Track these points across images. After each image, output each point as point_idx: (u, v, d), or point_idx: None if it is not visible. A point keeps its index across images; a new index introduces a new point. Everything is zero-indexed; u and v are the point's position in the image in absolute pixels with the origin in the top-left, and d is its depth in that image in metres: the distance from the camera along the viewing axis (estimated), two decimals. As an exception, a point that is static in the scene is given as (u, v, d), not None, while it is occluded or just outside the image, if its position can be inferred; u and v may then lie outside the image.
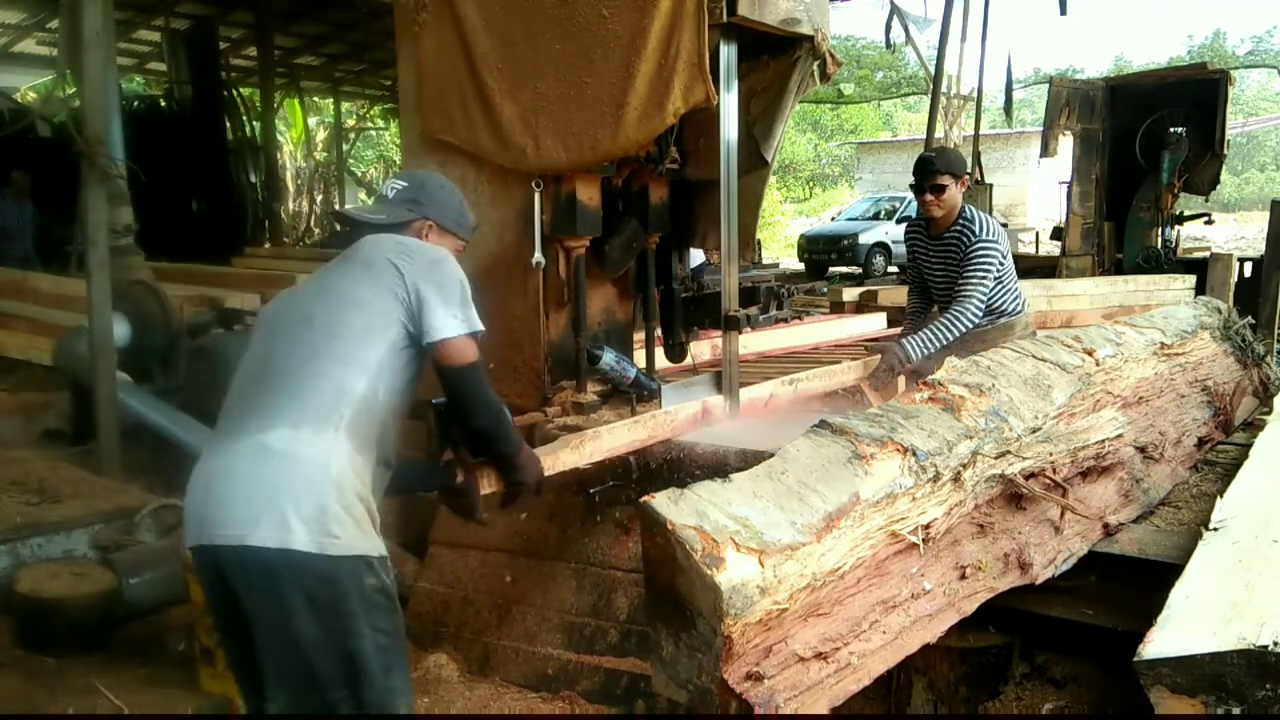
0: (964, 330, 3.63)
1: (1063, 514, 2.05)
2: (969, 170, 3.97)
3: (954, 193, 3.78)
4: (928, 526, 1.75)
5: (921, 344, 3.64)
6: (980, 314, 3.69)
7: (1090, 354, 2.42)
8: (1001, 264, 3.77)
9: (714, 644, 1.38)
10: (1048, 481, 2.02)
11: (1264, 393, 3.12)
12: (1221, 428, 2.79)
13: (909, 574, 1.74)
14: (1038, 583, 1.98)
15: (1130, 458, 2.33)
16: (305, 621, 1.81)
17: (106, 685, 2.94)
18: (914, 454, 1.78)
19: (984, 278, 3.70)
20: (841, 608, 1.61)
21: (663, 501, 1.43)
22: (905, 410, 1.96)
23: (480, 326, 2.04)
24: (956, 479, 1.82)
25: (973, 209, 3.89)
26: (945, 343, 3.63)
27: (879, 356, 3.86)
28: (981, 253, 3.70)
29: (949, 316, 3.68)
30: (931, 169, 3.78)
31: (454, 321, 1.97)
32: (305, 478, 1.82)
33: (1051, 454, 2.04)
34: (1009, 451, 1.95)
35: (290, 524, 1.78)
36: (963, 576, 1.86)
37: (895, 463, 1.76)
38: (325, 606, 1.82)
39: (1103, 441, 2.18)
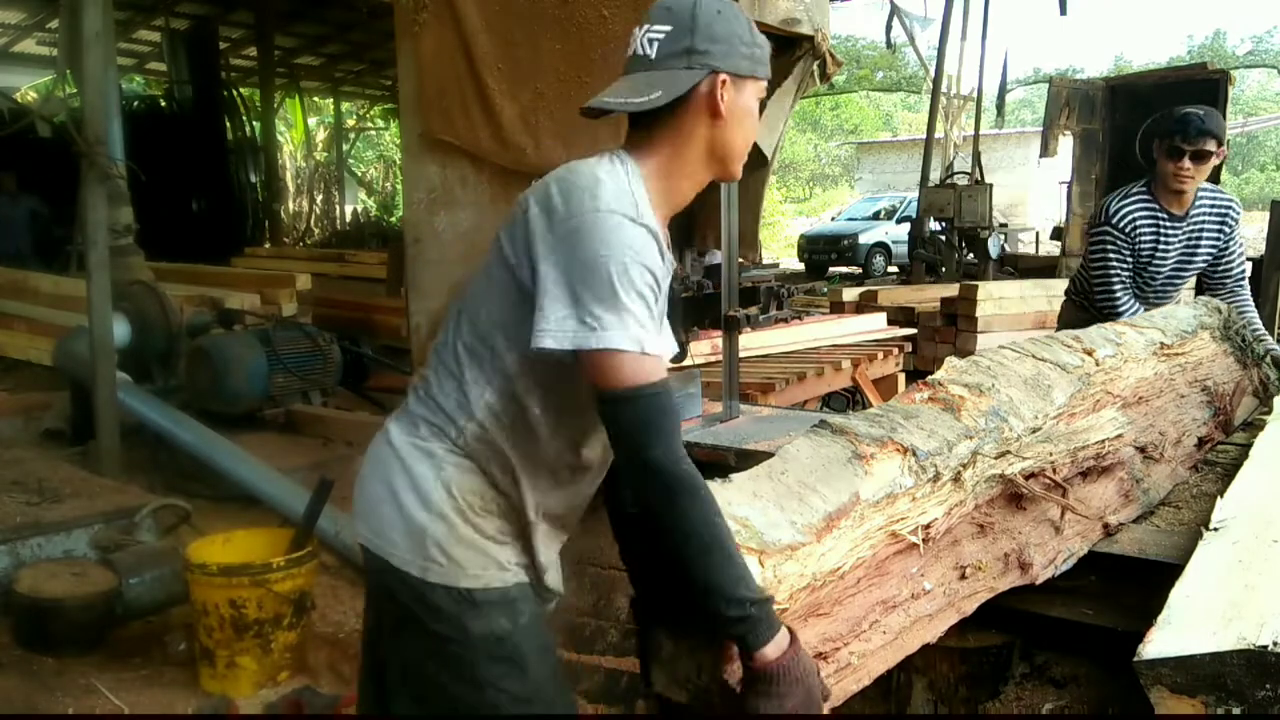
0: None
1: (1063, 514, 2.04)
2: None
3: (1212, 164, 3.12)
4: (928, 526, 1.75)
5: (1269, 335, 3.24)
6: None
7: (1090, 354, 2.40)
8: None
9: (715, 644, 1.37)
10: (1048, 481, 2.01)
11: (1264, 393, 3.09)
12: (1221, 428, 2.77)
13: (909, 574, 1.73)
14: (1038, 582, 1.99)
15: (1130, 458, 2.31)
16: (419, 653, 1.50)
17: (106, 685, 2.94)
18: (914, 454, 1.76)
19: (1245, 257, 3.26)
20: (841, 608, 1.60)
21: None
22: (905, 410, 1.95)
23: (617, 343, 1.33)
24: (957, 479, 1.81)
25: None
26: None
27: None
28: (1240, 229, 3.25)
29: (1249, 300, 3.26)
30: (1201, 128, 3.03)
31: (566, 331, 1.34)
32: (413, 485, 1.48)
33: (1052, 454, 2.03)
34: (1009, 451, 1.95)
35: (391, 535, 1.48)
36: (963, 577, 1.85)
37: (895, 463, 1.74)
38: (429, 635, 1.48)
39: (1103, 441, 2.17)
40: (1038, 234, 18.04)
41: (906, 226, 14.04)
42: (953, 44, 13.15)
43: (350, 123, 20.85)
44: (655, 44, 1.48)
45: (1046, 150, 10.54)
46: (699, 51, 1.47)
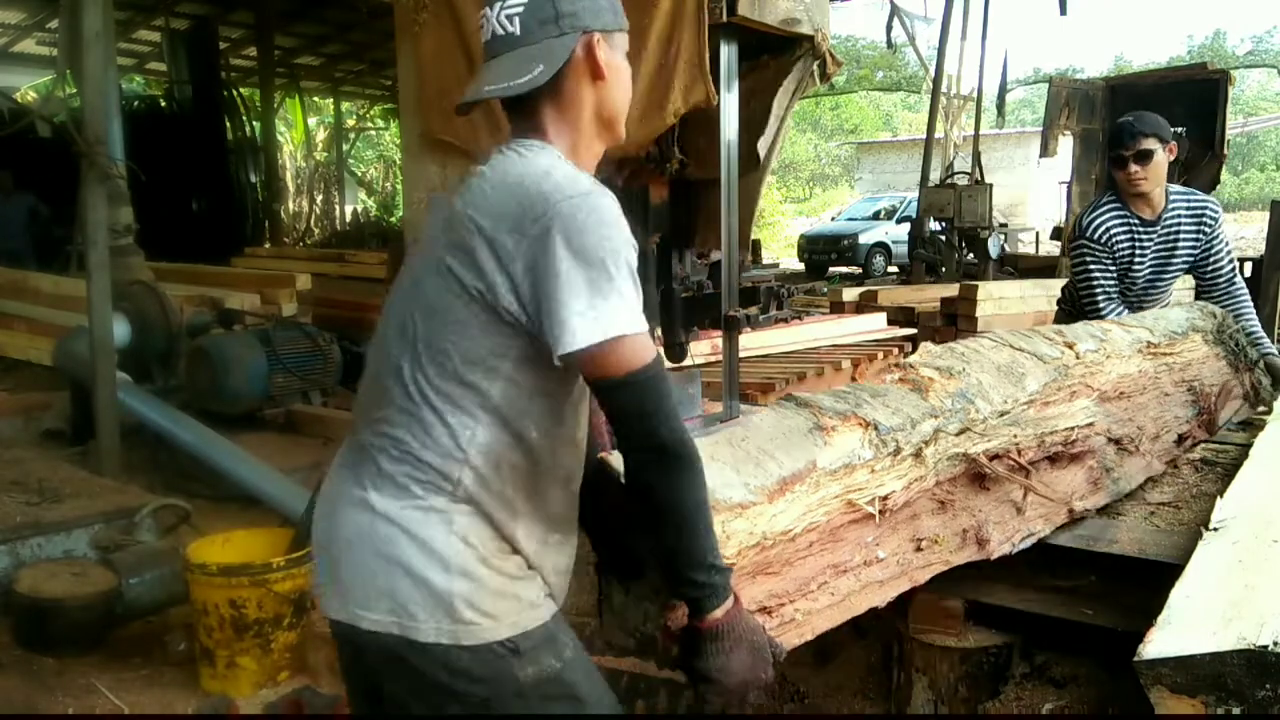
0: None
1: (1025, 495, 2.08)
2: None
3: (1162, 161, 3.11)
4: (885, 498, 1.79)
5: (1266, 339, 3.25)
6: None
7: (1071, 347, 2.45)
8: None
9: (654, 591, 1.44)
10: (1012, 463, 2.05)
11: (1255, 397, 3.11)
12: (1205, 427, 2.80)
13: (864, 542, 1.78)
14: (993, 558, 2.03)
15: (1102, 448, 2.35)
16: None
17: (106, 685, 2.94)
18: (876, 428, 1.81)
19: (1234, 256, 3.25)
20: (791, 569, 1.65)
21: (619, 459, 1.43)
22: (873, 389, 2.00)
23: (624, 328, 1.28)
24: (918, 455, 1.86)
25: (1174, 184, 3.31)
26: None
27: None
28: (1223, 229, 3.21)
29: (1246, 302, 3.24)
30: (1134, 131, 3.10)
31: (589, 324, 1.27)
32: (425, 550, 1.34)
33: (1017, 437, 2.07)
34: (969, 429, 1.99)
35: (410, 609, 1.33)
36: (918, 549, 1.90)
37: (856, 435, 1.79)
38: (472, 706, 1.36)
39: (1072, 429, 2.22)
40: (1038, 234, 18.05)
41: (906, 226, 14.04)
42: (953, 44, 13.16)
43: (350, 123, 20.85)
44: (516, 19, 1.38)
45: (1046, 150, 10.54)
46: (566, 14, 1.38)
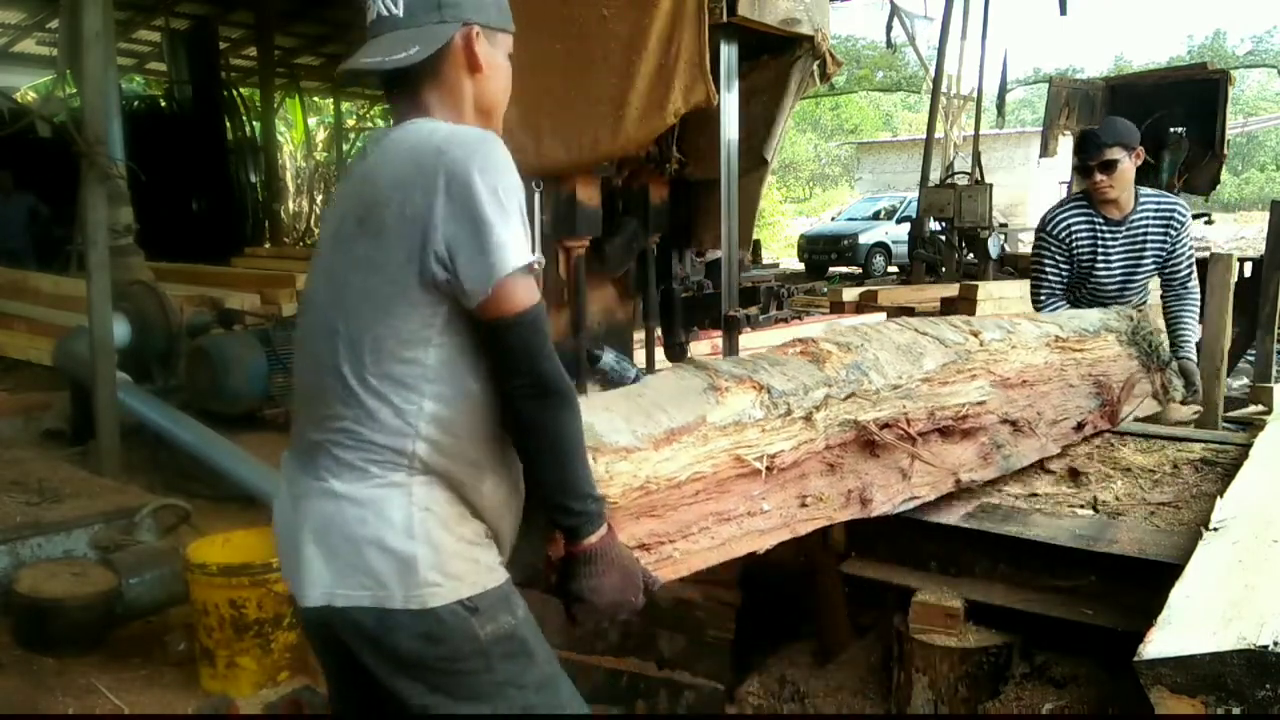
0: (1198, 311, 3.36)
1: (912, 463, 2.22)
2: (1140, 141, 3.28)
3: (1128, 168, 3.19)
4: (774, 456, 1.90)
5: (1192, 346, 3.34)
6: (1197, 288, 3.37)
7: (976, 335, 2.59)
8: None
9: (542, 528, 1.53)
10: (901, 433, 2.18)
11: (1164, 395, 3.25)
12: (1107, 418, 2.96)
13: (750, 495, 1.89)
14: (872, 515, 2.16)
15: (995, 426, 2.50)
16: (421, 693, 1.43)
17: (106, 685, 2.94)
18: (769, 391, 1.94)
19: (1191, 257, 3.33)
20: (675, 513, 1.75)
21: None
22: (774, 359, 2.12)
23: (527, 257, 1.36)
24: (808, 418, 1.98)
25: (1146, 186, 3.39)
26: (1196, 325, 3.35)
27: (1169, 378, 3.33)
28: (1190, 233, 3.28)
29: (1193, 305, 3.31)
30: (1098, 142, 3.19)
31: (489, 260, 1.33)
32: (389, 522, 1.40)
33: (907, 408, 2.21)
34: (860, 398, 2.11)
35: (380, 579, 1.40)
36: (803, 505, 2.01)
37: (749, 397, 1.91)
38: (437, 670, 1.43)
39: (963, 405, 2.36)
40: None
41: (906, 226, 14.05)
42: (953, 44, 13.16)
43: (350, 123, 20.85)
44: (401, 2, 1.44)
45: (1046, 150, 10.56)
46: (449, 4, 1.45)
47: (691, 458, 1.77)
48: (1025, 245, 17.29)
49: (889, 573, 2.37)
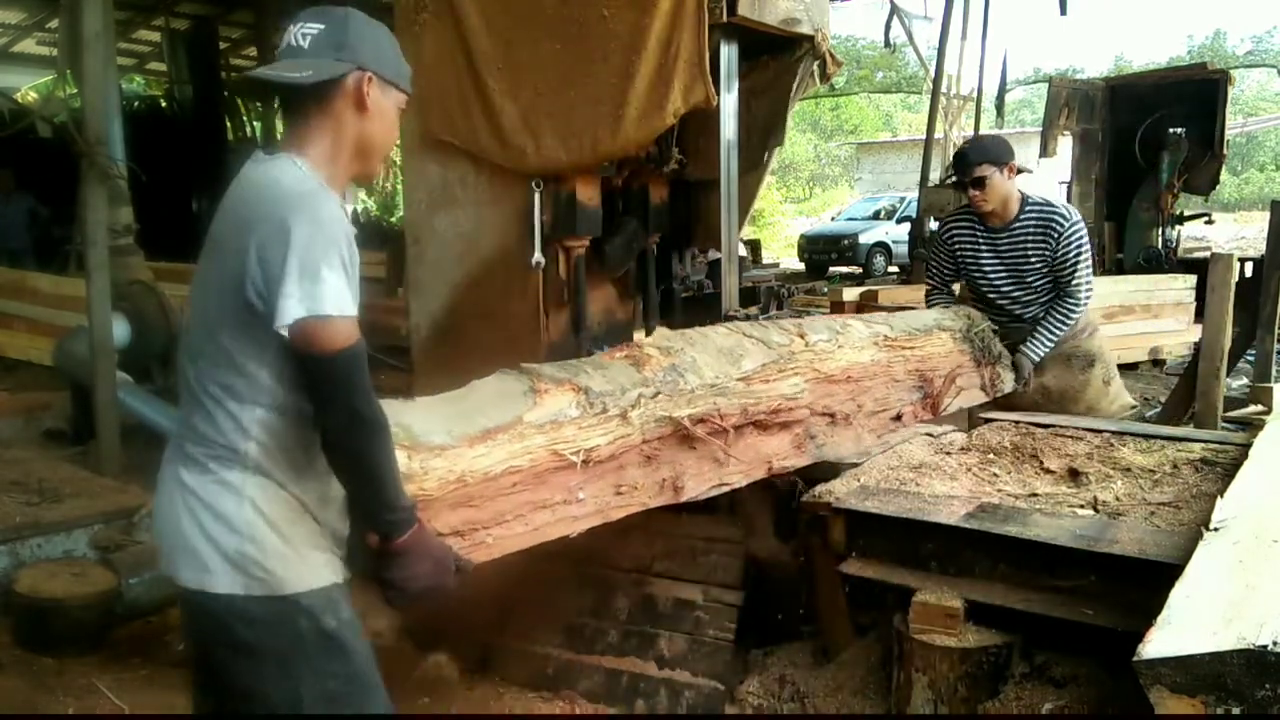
0: (1075, 322, 3.50)
1: (725, 453, 2.40)
2: (1013, 154, 3.49)
3: (1000, 182, 3.43)
4: (591, 451, 2.05)
5: (1042, 345, 3.50)
6: (1090, 300, 3.52)
7: (802, 336, 2.78)
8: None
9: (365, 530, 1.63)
10: (715, 427, 2.35)
11: (992, 388, 3.47)
12: (929, 409, 3.18)
13: (568, 486, 2.04)
14: (681, 499, 2.33)
15: (809, 419, 2.70)
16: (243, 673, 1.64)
17: (106, 685, 2.94)
18: (586, 392, 2.11)
19: (1089, 265, 3.48)
20: (492, 503, 1.88)
21: None
22: (597, 363, 2.30)
23: (329, 309, 1.48)
24: (624, 416, 2.15)
25: (1041, 195, 3.59)
26: (1061, 337, 3.50)
27: (999, 373, 3.54)
28: (1079, 236, 3.44)
29: (1065, 309, 3.47)
30: (967, 162, 3.46)
31: (297, 302, 1.48)
32: (219, 516, 1.59)
33: (719, 405, 2.38)
34: (671, 397, 2.28)
35: (210, 566, 1.59)
36: (618, 493, 2.17)
37: (567, 398, 2.07)
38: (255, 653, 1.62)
39: (776, 400, 2.55)
40: (1038, 234, 18.00)
41: (906, 226, 14.03)
42: (953, 44, 13.15)
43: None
44: (309, 38, 1.63)
45: (1046, 150, 10.53)
46: (350, 47, 1.64)
47: (507, 454, 1.92)
48: (1025, 245, 17.32)
49: (889, 573, 2.37)
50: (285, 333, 1.48)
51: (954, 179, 3.58)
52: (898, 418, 3.07)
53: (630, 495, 2.20)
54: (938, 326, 3.36)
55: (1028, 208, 3.49)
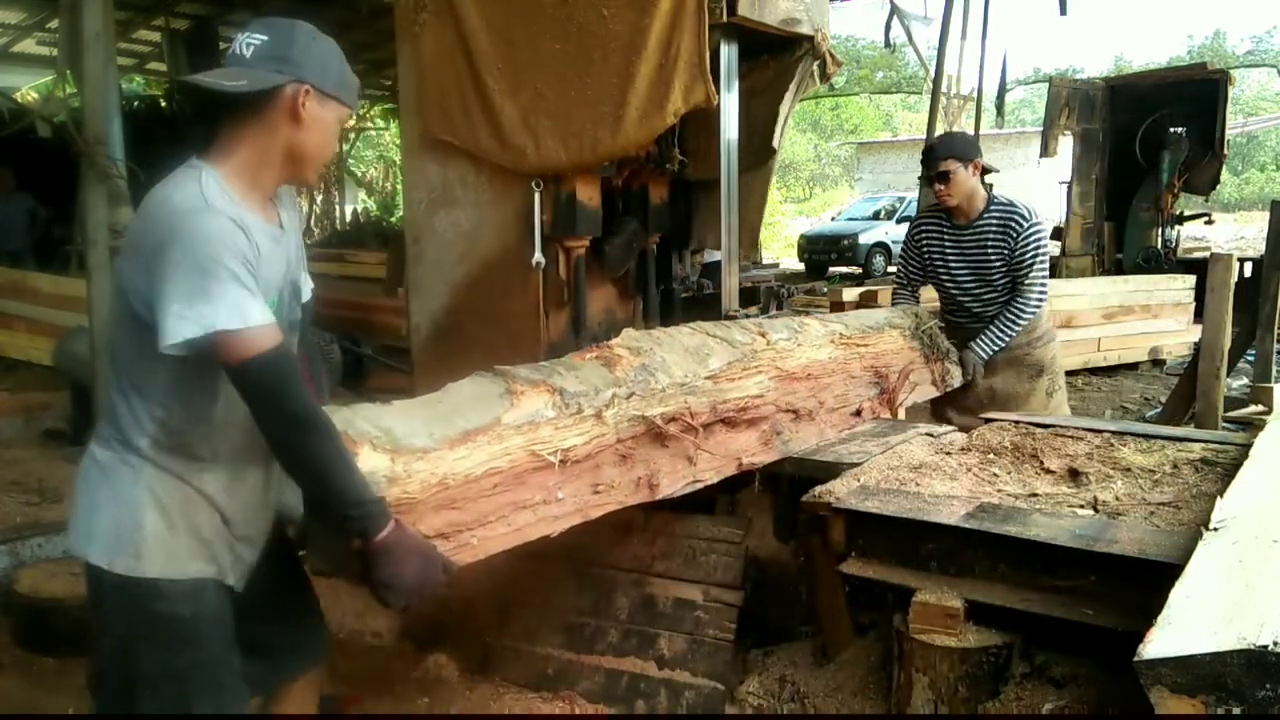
0: (1027, 323, 3.57)
1: (696, 450, 2.45)
2: (979, 152, 3.61)
3: (964, 178, 3.54)
4: (568, 450, 2.09)
5: (990, 343, 3.59)
6: (1043, 304, 3.60)
7: (763, 335, 2.84)
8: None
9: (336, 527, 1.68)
10: (685, 425, 2.41)
11: (942, 384, 3.58)
12: (885, 404, 3.30)
13: (547, 486, 2.06)
14: (657, 498, 2.38)
15: (775, 415, 2.77)
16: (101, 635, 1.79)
17: (106, 685, 2.94)
18: (561, 393, 2.13)
19: (1044, 266, 3.58)
20: (474, 504, 1.90)
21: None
22: (570, 364, 2.32)
23: (224, 324, 1.53)
24: (598, 415, 2.18)
25: (1007, 196, 3.69)
26: (1011, 338, 3.58)
27: (950, 366, 3.65)
28: (1037, 238, 3.53)
29: (1015, 310, 3.56)
30: (933, 156, 3.57)
31: (183, 323, 1.53)
32: (114, 490, 1.71)
33: (689, 403, 2.43)
34: (644, 396, 2.32)
35: (95, 534, 1.72)
36: (596, 492, 2.20)
37: (543, 399, 2.10)
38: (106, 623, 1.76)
39: (743, 398, 2.61)
40: (1038, 234, 18.01)
41: (906, 226, 14.02)
42: (953, 44, 13.12)
43: (350, 123, 20.84)
44: (251, 49, 1.68)
45: (1046, 150, 10.53)
46: (290, 61, 1.68)
47: (487, 455, 1.95)
48: (1025, 245, 17.31)
49: (889, 573, 2.37)
50: (172, 352, 1.54)
51: (922, 174, 3.71)
52: (857, 413, 3.17)
53: (608, 494, 2.23)
54: (888, 324, 3.47)
55: (992, 206, 3.59)
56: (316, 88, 1.71)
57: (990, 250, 3.58)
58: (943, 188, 3.55)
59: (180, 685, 1.73)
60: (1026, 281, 3.55)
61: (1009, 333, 3.58)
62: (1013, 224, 3.53)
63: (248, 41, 1.69)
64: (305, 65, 1.69)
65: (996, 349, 3.61)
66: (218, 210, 1.61)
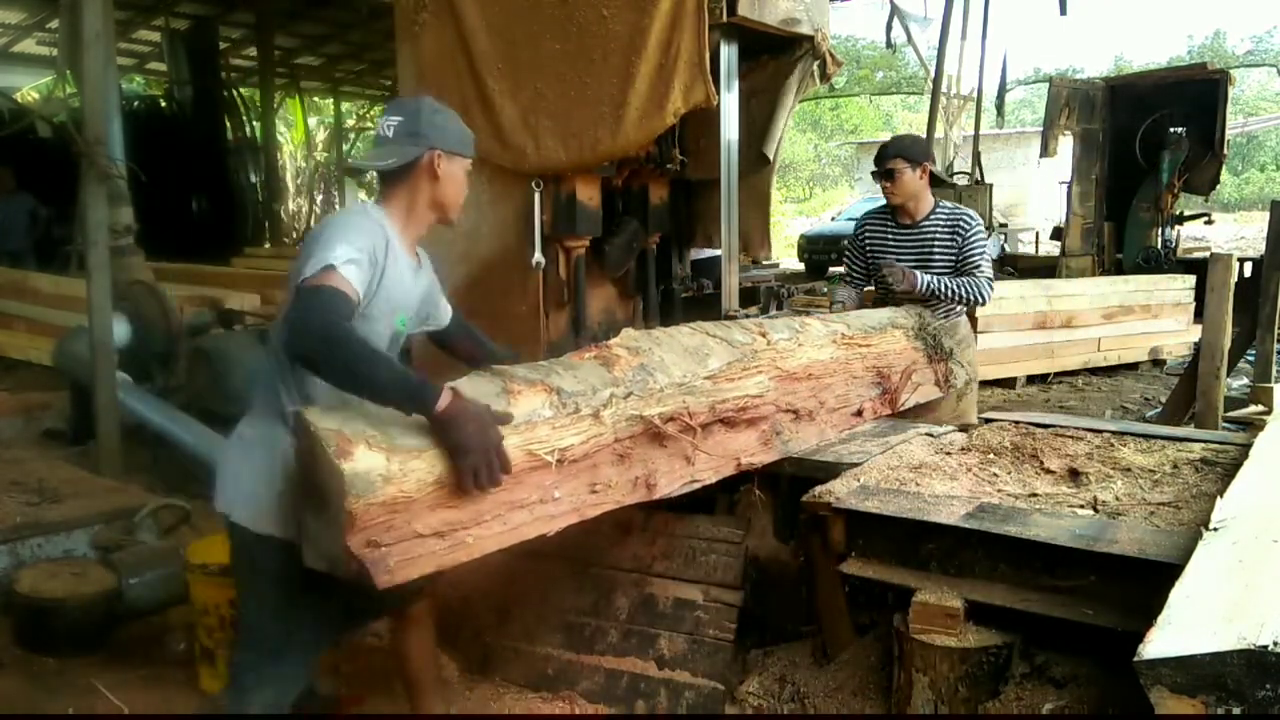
0: (970, 296, 3.62)
1: (695, 450, 2.45)
2: (929, 157, 3.74)
3: (910, 179, 3.63)
4: (565, 450, 2.09)
5: (933, 281, 3.61)
6: (987, 300, 3.67)
7: (764, 335, 2.84)
8: None
9: (340, 519, 1.71)
10: (684, 425, 2.40)
11: (944, 384, 3.61)
12: (887, 404, 3.29)
13: (544, 485, 2.07)
14: (654, 497, 2.37)
15: (775, 415, 2.75)
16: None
17: (106, 685, 2.94)
18: (559, 393, 2.14)
19: (990, 269, 3.68)
20: (471, 503, 1.91)
21: (314, 412, 1.84)
22: (568, 364, 2.32)
23: (330, 260, 1.91)
24: (596, 415, 2.19)
25: (955, 204, 3.81)
26: (948, 295, 3.61)
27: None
28: (982, 238, 3.65)
29: (966, 282, 3.61)
30: (883, 154, 3.67)
31: (309, 261, 1.94)
32: (252, 466, 2.10)
33: (688, 403, 2.43)
34: (642, 396, 2.32)
35: (235, 499, 2.13)
36: (593, 492, 2.20)
37: (541, 398, 2.10)
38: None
39: (742, 398, 2.60)
40: (1038, 234, 18.00)
41: (906, 227, 14.01)
42: (953, 44, 13.16)
43: (350, 123, 20.84)
44: (392, 129, 2.16)
45: (1046, 150, 10.52)
46: (423, 135, 2.15)
47: None
48: (1025, 245, 17.33)
49: (889, 573, 2.37)
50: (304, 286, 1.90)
51: (872, 171, 3.79)
52: (858, 413, 3.17)
53: (605, 494, 2.24)
54: (891, 324, 3.48)
55: (939, 209, 3.72)
56: (445, 150, 2.17)
57: (936, 250, 3.67)
58: (889, 185, 3.65)
59: (260, 615, 2.14)
60: (979, 271, 3.64)
61: (950, 288, 3.61)
62: (962, 222, 3.66)
63: (388, 124, 2.17)
64: (434, 135, 2.16)
65: (931, 289, 3.60)
66: (374, 219, 2.10)
